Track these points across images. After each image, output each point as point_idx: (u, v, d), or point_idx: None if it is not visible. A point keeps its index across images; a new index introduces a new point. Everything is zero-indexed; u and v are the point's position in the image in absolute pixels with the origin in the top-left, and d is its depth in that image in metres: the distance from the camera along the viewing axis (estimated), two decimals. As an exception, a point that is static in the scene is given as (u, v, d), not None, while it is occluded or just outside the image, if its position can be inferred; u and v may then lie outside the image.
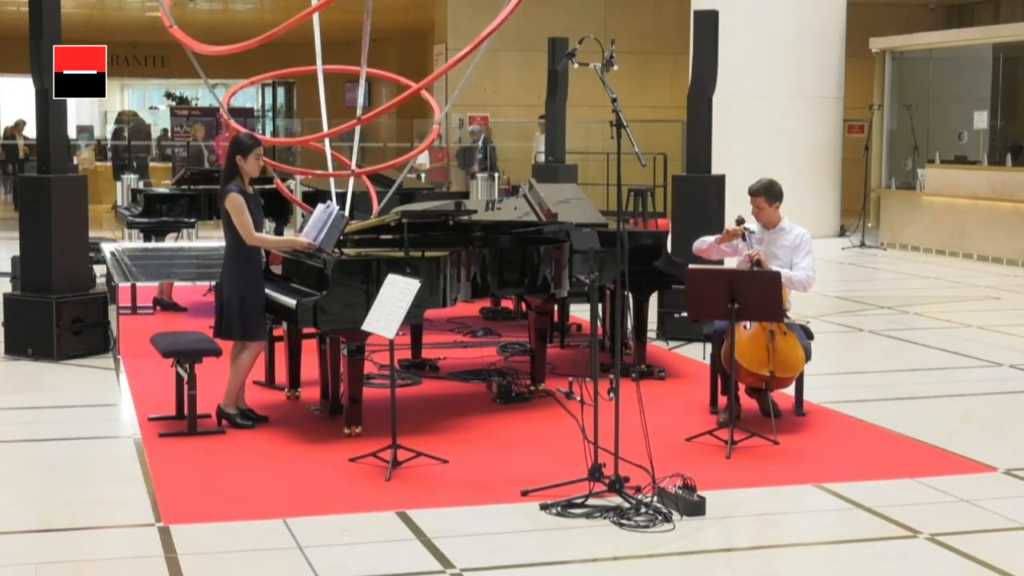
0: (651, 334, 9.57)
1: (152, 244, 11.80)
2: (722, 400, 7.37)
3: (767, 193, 7.53)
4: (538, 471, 6.15)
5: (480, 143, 20.70)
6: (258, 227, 7.04)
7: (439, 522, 5.53)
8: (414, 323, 8.52)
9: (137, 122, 29.61)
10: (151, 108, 37.18)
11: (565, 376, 8.06)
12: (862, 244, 17.95)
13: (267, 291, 7.28)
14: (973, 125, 19.25)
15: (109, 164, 25.91)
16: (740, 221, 7.45)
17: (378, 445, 6.41)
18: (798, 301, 9.36)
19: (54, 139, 9.28)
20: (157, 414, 7.24)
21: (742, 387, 7.24)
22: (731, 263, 7.74)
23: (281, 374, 7.91)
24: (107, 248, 10.71)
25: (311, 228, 7.32)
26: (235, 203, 6.89)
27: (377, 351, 8.25)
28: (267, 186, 10.98)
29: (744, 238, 7.38)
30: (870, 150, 19.95)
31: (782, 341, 7.02)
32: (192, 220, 12.23)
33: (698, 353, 8.92)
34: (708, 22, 10.44)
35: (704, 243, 7.70)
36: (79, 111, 32.57)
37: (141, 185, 14.56)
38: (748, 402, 7.35)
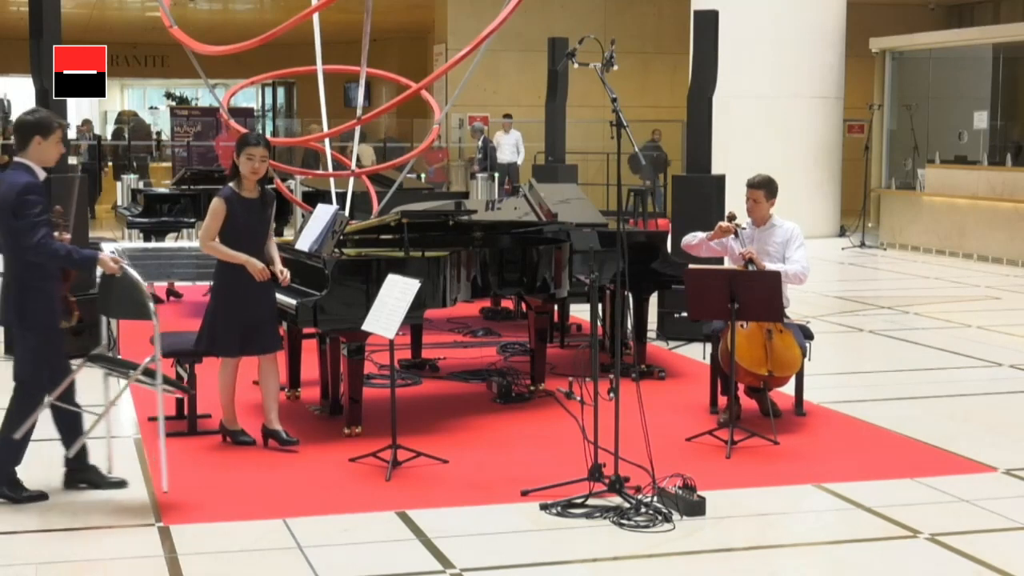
0: (651, 334, 9.58)
1: (152, 244, 11.81)
2: (722, 400, 7.37)
3: (767, 187, 7.51)
4: (538, 471, 6.15)
5: (480, 143, 20.70)
6: (251, 234, 6.61)
7: (439, 522, 5.53)
8: (414, 323, 8.51)
9: (137, 122, 29.60)
10: (151, 108, 37.17)
11: (565, 376, 8.06)
12: (862, 244, 17.95)
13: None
14: (973, 125, 19.25)
15: (110, 164, 25.88)
16: (732, 218, 7.42)
17: (378, 445, 6.41)
18: (798, 301, 9.37)
19: (54, 139, 9.26)
20: (157, 414, 7.22)
21: (741, 387, 7.24)
22: (726, 263, 7.72)
23: (281, 374, 7.89)
24: (107, 248, 10.70)
25: (311, 229, 7.33)
26: (211, 206, 6.59)
27: (377, 351, 8.25)
28: (267, 186, 10.97)
29: (736, 235, 7.36)
30: (870, 150, 19.95)
31: (779, 340, 7.02)
32: (192, 220, 12.23)
33: (698, 353, 8.92)
34: (708, 22, 10.44)
35: (695, 238, 7.63)
36: (79, 111, 32.56)
37: (141, 185, 14.57)
38: (748, 402, 7.35)
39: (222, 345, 6.66)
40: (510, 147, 21.18)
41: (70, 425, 5.98)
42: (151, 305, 5.78)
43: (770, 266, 7.25)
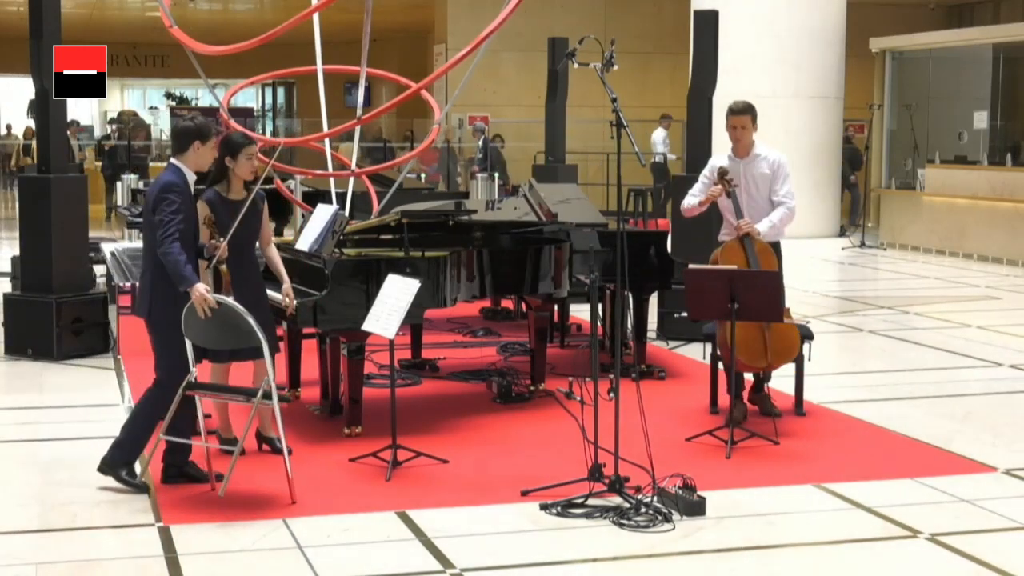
0: (651, 334, 9.58)
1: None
2: (724, 401, 7.37)
3: (752, 112, 7.34)
4: (538, 471, 6.15)
5: (480, 143, 20.71)
6: (237, 237, 6.28)
7: (439, 522, 5.53)
8: (414, 323, 8.52)
9: (137, 122, 29.58)
10: (151, 108, 37.15)
11: (565, 376, 8.05)
12: (862, 244, 17.96)
13: (267, 291, 7.25)
14: (973, 125, 19.25)
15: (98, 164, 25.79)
16: (723, 174, 7.22)
17: (378, 445, 6.41)
18: (798, 302, 9.36)
19: (54, 139, 9.28)
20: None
21: (746, 388, 7.24)
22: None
23: (281, 374, 7.89)
24: (107, 248, 10.71)
25: (311, 228, 7.32)
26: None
27: (377, 351, 8.25)
28: (267, 186, 10.96)
29: (729, 194, 7.17)
30: (870, 150, 19.96)
31: (776, 329, 7.00)
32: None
33: (698, 353, 8.91)
34: (708, 22, 10.45)
35: (691, 206, 7.49)
36: (79, 111, 32.57)
37: (141, 185, 14.56)
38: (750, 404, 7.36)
39: (213, 351, 6.42)
40: (660, 143, 21.41)
41: (185, 422, 6.07)
42: (259, 332, 5.75)
43: (764, 226, 7.12)
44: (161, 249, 5.83)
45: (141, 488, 5.94)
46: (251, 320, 5.77)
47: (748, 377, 7.46)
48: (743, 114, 7.32)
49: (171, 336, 5.93)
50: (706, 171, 7.56)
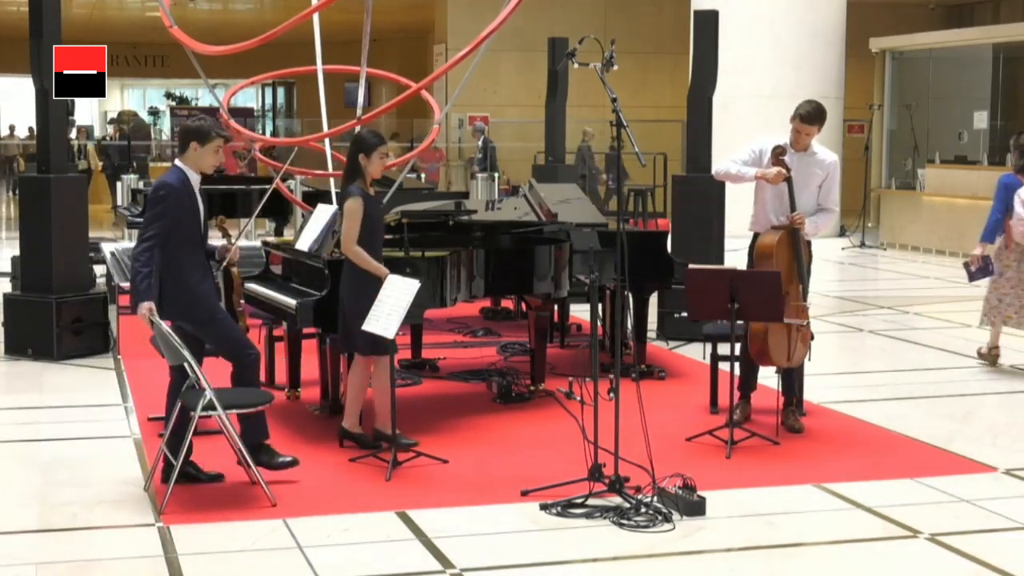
0: (651, 334, 9.57)
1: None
2: (724, 401, 7.37)
3: (822, 121, 7.11)
4: (538, 471, 6.15)
5: (480, 143, 20.71)
6: (379, 232, 6.54)
7: (439, 522, 5.53)
8: (414, 323, 8.51)
9: (137, 122, 29.57)
10: (151, 110, 37.10)
11: (565, 376, 8.05)
12: (862, 244, 17.96)
13: (267, 291, 7.26)
14: (973, 125, 19.25)
15: (99, 164, 25.78)
16: (781, 153, 6.98)
17: (378, 445, 6.40)
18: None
19: (54, 139, 9.28)
20: (157, 414, 7.22)
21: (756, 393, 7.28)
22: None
23: (281, 374, 7.90)
24: (107, 248, 10.71)
25: (310, 228, 7.32)
26: (349, 209, 6.42)
27: (377, 351, 8.24)
28: (266, 186, 10.97)
29: (787, 179, 6.96)
30: (870, 150, 19.94)
31: (802, 330, 7.03)
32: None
33: (698, 353, 8.91)
34: (708, 22, 10.45)
35: (738, 173, 7.16)
36: (79, 111, 32.53)
37: (141, 185, 14.56)
38: (754, 403, 7.35)
39: (383, 344, 6.33)
40: None
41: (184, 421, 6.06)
42: (185, 352, 5.75)
43: (809, 226, 7.05)
44: (135, 251, 5.95)
45: (293, 463, 6.10)
46: (184, 350, 5.70)
47: (762, 384, 7.44)
48: (812, 124, 7.08)
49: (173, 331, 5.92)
50: (751, 149, 7.23)
